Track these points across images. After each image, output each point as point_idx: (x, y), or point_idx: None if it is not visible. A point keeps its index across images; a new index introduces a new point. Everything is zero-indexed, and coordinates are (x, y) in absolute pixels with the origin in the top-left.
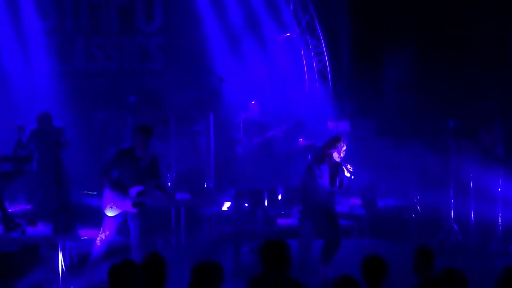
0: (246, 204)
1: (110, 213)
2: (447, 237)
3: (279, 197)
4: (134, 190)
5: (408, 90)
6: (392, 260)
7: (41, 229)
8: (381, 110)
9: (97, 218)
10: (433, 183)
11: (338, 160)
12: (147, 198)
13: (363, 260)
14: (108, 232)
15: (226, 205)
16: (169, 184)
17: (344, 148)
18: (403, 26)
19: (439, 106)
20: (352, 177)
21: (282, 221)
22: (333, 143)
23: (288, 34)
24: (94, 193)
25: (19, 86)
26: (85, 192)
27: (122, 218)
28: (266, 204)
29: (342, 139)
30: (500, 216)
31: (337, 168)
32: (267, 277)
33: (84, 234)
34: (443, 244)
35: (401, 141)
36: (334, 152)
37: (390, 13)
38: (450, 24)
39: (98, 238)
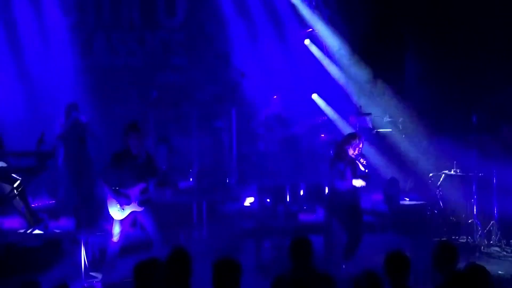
0: (268, 200)
1: (118, 216)
2: (469, 234)
3: (301, 192)
4: (137, 189)
5: (429, 85)
6: (414, 256)
7: (64, 224)
8: (403, 105)
9: None
10: (456, 179)
11: (353, 156)
12: (152, 194)
13: (386, 255)
14: (120, 233)
15: (248, 201)
16: (191, 179)
17: (361, 145)
18: (424, 21)
19: (461, 101)
20: (366, 170)
21: (304, 217)
22: (348, 140)
23: (310, 29)
24: (117, 188)
25: (41, 81)
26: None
27: (131, 217)
28: (288, 200)
29: (358, 136)
30: None
31: (353, 164)
32: (295, 272)
33: (108, 228)
34: (466, 241)
35: (423, 136)
36: (349, 149)
37: (411, 7)
38: (471, 18)
39: (113, 238)
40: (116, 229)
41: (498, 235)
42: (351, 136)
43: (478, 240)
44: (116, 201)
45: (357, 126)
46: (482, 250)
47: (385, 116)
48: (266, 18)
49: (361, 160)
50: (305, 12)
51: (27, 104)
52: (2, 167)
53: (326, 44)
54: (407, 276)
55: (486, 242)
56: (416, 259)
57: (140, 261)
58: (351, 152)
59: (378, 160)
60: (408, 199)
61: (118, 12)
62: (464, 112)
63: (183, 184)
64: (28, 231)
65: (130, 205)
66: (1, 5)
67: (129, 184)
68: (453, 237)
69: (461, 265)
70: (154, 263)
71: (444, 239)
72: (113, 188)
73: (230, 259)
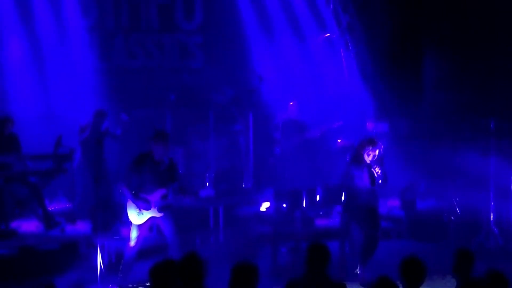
0: (285, 205)
1: (138, 221)
2: (486, 240)
3: (318, 197)
4: (157, 194)
5: (448, 90)
6: (431, 262)
7: (81, 227)
8: (421, 109)
9: None
10: (473, 185)
11: (368, 162)
12: (172, 200)
13: (402, 261)
14: (138, 238)
15: (265, 205)
16: (207, 184)
17: (376, 151)
18: (442, 24)
19: (479, 106)
20: (380, 181)
21: (320, 222)
22: (364, 144)
23: (328, 34)
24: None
25: (60, 83)
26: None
27: (149, 223)
28: (304, 205)
29: (375, 141)
30: None
31: (369, 168)
32: (309, 278)
33: (124, 232)
34: (483, 247)
35: (441, 141)
36: (365, 153)
37: (429, 11)
38: (490, 22)
39: (130, 242)
40: (134, 234)
41: None
42: (368, 141)
43: (496, 245)
44: (135, 205)
45: (375, 131)
46: (500, 256)
47: (402, 121)
48: (284, 22)
49: (376, 169)
50: (324, 17)
51: (45, 107)
52: (19, 170)
53: (344, 49)
54: (422, 282)
55: (503, 248)
56: (433, 265)
57: (156, 263)
58: (366, 157)
59: (395, 165)
60: (425, 204)
61: (137, 14)
62: (483, 117)
63: (203, 193)
64: (45, 234)
65: (150, 211)
66: (21, 6)
67: (150, 189)
68: (470, 243)
69: (480, 271)
70: (170, 265)
71: (462, 245)
72: (133, 192)
73: (248, 263)
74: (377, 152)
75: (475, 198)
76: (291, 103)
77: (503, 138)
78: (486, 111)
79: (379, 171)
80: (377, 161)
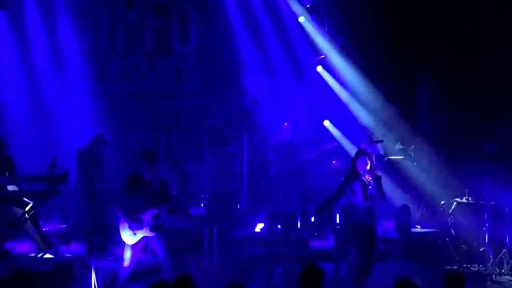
0: (279, 226)
1: (130, 241)
2: (481, 263)
3: (312, 219)
4: (149, 214)
5: (442, 113)
6: (425, 284)
7: (75, 248)
8: (415, 133)
9: None
10: (467, 207)
11: (361, 173)
12: (164, 220)
13: (395, 283)
14: (131, 258)
15: (259, 227)
16: (202, 205)
17: (367, 159)
18: (436, 50)
19: (473, 130)
20: (370, 187)
21: (315, 243)
22: (356, 156)
23: (323, 56)
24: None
25: (54, 106)
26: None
27: (142, 242)
28: (299, 226)
29: (363, 152)
30: None
31: (364, 182)
32: None
33: (118, 254)
34: (477, 270)
35: (435, 164)
36: (358, 164)
37: (423, 35)
38: (484, 47)
39: (124, 263)
40: (127, 254)
41: (510, 264)
42: (357, 152)
43: (490, 268)
44: (128, 225)
45: (370, 153)
46: (494, 279)
47: (397, 143)
48: (278, 44)
49: (366, 177)
50: (318, 39)
51: (40, 129)
52: (13, 191)
53: (339, 71)
54: None
55: (497, 271)
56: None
57: (150, 284)
58: (360, 168)
59: (389, 187)
60: (419, 227)
61: (132, 38)
62: (477, 140)
63: (194, 211)
64: (39, 256)
65: (142, 230)
66: (16, 30)
67: (142, 209)
68: (464, 266)
69: None
70: (163, 286)
71: (452, 268)
72: (126, 212)
73: (241, 286)
74: (368, 160)
75: (469, 221)
76: (285, 123)
77: (497, 161)
78: (480, 135)
79: (370, 178)
80: (369, 171)
